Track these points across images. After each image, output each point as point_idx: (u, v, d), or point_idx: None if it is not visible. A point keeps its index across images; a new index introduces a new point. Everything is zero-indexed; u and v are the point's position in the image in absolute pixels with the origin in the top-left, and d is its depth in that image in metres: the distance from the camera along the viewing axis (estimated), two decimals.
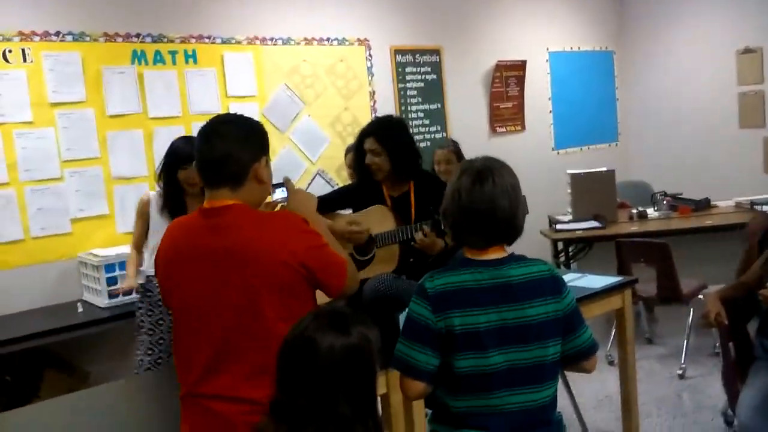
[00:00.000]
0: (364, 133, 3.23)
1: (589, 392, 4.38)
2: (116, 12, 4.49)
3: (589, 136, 7.66)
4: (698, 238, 5.21)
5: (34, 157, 4.17)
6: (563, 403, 2.08)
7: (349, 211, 3.34)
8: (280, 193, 2.23)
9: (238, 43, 5.04)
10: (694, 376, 4.58)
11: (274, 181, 2.17)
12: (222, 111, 4.85)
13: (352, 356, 1.54)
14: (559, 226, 5.50)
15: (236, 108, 4.90)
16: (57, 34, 4.27)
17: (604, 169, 5.66)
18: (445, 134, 6.29)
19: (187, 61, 4.78)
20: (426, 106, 6.20)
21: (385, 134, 3.16)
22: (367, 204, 3.21)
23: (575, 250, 5.58)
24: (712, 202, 5.76)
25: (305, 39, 5.40)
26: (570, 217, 5.63)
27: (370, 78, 5.80)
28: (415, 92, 6.12)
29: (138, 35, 4.58)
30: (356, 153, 3.28)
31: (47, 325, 3.73)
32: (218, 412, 1.90)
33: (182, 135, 3.63)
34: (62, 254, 4.26)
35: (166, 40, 4.70)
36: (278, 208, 2.23)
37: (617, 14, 8.00)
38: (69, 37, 4.31)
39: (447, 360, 1.91)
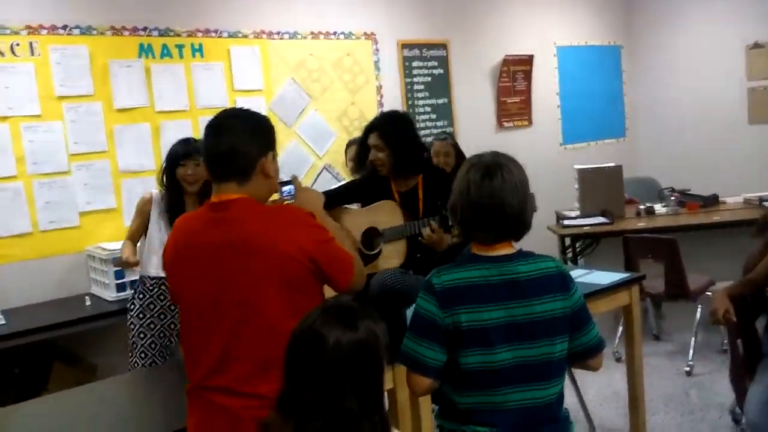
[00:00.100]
0: (369, 129, 3.22)
1: (596, 389, 4.37)
2: (123, 5, 4.49)
3: (596, 131, 7.63)
4: (706, 235, 5.19)
5: (42, 150, 4.17)
6: (570, 400, 2.08)
7: (357, 206, 3.34)
8: (287, 191, 2.23)
9: (245, 37, 5.03)
10: (702, 373, 4.57)
11: (282, 178, 2.17)
12: (229, 105, 4.85)
13: (360, 351, 1.53)
14: (566, 222, 5.49)
15: (243, 102, 4.91)
16: (64, 27, 4.27)
17: (612, 164, 5.64)
18: (452, 129, 6.27)
19: (193, 55, 4.78)
20: (433, 101, 6.19)
21: (388, 130, 3.15)
22: (375, 199, 3.21)
23: (582, 245, 5.56)
24: (720, 198, 5.74)
25: (312, 33, 5.39)
26: (577, 213, 5.61)
27: (376, 72, 5.79)
28: (422, 87, 6.11)
29: (145, 29, 4.58)
30: (361, 147, 3.28)
31: (55, 318, 3.74)
32: (225, 406, 1.90)
33: (182, 137, 3.63)
34: (70, 248, 4.27)
35: (173, 33, 4.69)
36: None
37: (625, 8, 7.96)
38: (76, 31, 4.31)
39: (453, 356, 1.91)
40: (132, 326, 3.53)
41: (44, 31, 4.19)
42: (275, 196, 2.16)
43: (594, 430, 3.91)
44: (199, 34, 4.81)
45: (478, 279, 1.91)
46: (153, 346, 3.51)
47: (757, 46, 7.05)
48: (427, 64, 6.15)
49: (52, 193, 4.21)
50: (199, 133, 4.64)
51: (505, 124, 6.76)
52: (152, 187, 3.84)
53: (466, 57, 6.42)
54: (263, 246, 1.89)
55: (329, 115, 5.47)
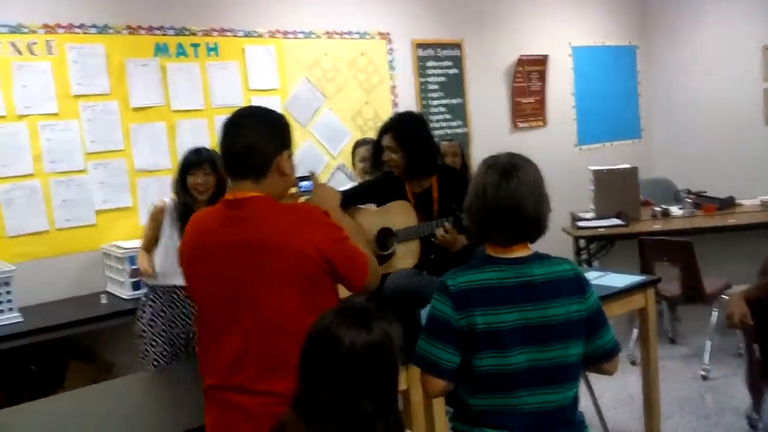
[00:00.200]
0: (383, 130, 3.22)
1: (610, 392, 4.35)
2: (139, 4, 4.52)
3: (612, 132, 7.60)
4: (722, 237, 5.15)
5: (59, 149, 4.20)
6: (584, 403, 2.07)
7: (371, 206, 3.33)
8: (304, 186, 2.23)
9: (260, 36, 5.04)
10: (718, 377, 4.54)
11: (299, 174, 2.18)
12: (244, 104, 4.87)
13: (374, 353, 1.54)
14: (581, 224, 5.47)
15: (257, 101, 4.92)
16: (81, 26, 4.29)
17: (627, 165, 5.61)
18: (466, 129, 6.27)
19: (209, 54, 4.80)
20: (447, 101, 6.18)
21: (402, 131, 3.14)
22: (389, 199, 3.21)
23: (597, 247, 5.53)
24: (736, 201, 5.69)
25: (326, 32, 5.39)
26: (592, 215, 5.59)
27: (391, 72, 5.79)
28: (436, 86, 6.10)
29: (161, 28, 4.60)
30: (375, 149, 3.28)
31: (72, 316, 3.76)
32: (241, 405, 1.91)
33: (194, 147, 3.66)
34: (86, 246, 4.30)
35: (188, 33, 4.71)
36: (301, 200, 2.23)
37: (641, 8, 7.92)
38: (93, 30, 4.34)
39: (467, 358, 1.90)
40: (144, 333, 3.54)
41: (61, 30, 4.22)
42: (292, 190, 2.16)
43: None
44: (215, 34, 4.83)
45: (494, 281, 1.90)
46: (164, 353, 3.53)
47: None
48: (442, 64, 6.14)
49: (69, 192, 4.24)
50: (214, 132, 4.69)
51: (520, 125, 6.74)
52: (167, 186, 3.86)
53: (481, 57, 6.41)
54: (278, 244, 1.89)
55: (343, 115, 5.47)
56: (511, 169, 1.92)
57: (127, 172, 4.46)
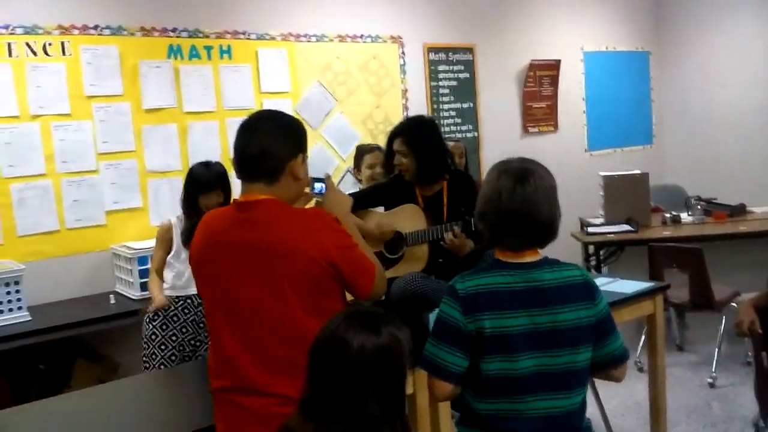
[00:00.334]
0: (394, 134, 3.22)
1: (617, 399, 4.34)
2: (153, 7, 4.55)
3: (623, 137, 7.58)
4: (732, 245, 5.13)
5: (71, 149, 4.23)
6: (591, 410, 2.07)
7: (381, 209, 3.34)
8: (318, 188, 2.24)
9: (273, 39, 5.06)
10: (725, 385, 4.52)
11: (314, 176, 2.19)
12: (256, 107, 4.89)
13: (383, 357, 1.54)
14: (590, 229, 5.45)
15: (269, 104, 4.94)
16: (95, 27, 4.32)
17: (638, 171, 5.59)
18: (476, 133, 6.27)
19: (222, 57, 4.82)
20: (458, 105, 6.18)
21: (412, 136, 3.14)
22: (399, 203, 3.21)
23: (606, 253, 5.52)
24: (747, 208, 5.67)
25: (339, 36, 5.41)
26: (602, 220, 5.57)
27: (402, 76, 5.79)
28: (447, 90, 6.11)
29: (174, 30, 4.63)
30: (387, 153, 3.28)
31: (80, 316, 3.78)
32: (250, 407, 1.92)
33: (200, 161, 3.64)
34: (96, 246, 4.32)
35: (201, 35, 4.74)
36: (312, 203, 2.24)
37: (653, 14, 7.90)
38: (107, 31, 4.37)
39: (475, 362, 1.90)
40: (153, 337, 3.55)
41: (76, 31, 4.25)
42: (306, 190, 2.17)
43: None
44: (228, 36, 4.85)
45: (503, 285, 1.91)
46: (173, 358, 3.54)
47: None
48: (453, 68, 6.14)
49: (80, 192, 4.27)
50: (225, 134, 4.71)
51: (530, 130, 6.73)
52: (178, 187, 3.88)
53: (492, 61, 6.41)
54: (286, 247, 1.90)
55: (354, 118, 5.48)
56: (526, 174, 1.92)
57: (138, 173, 4.48)
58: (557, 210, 1.95)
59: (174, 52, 4.62)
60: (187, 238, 3.43)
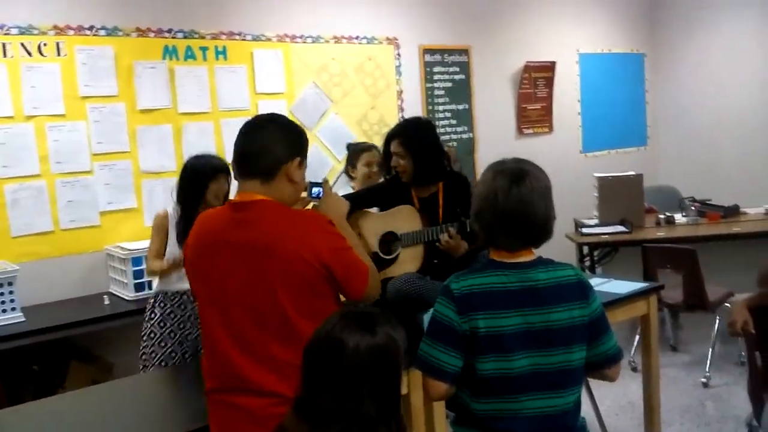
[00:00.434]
0: (391, 136, 3.22)
1: (611, 399, 4.35)
2: (149, 7, 4.54)
3: (617, 139, 7.60)
4: (726, 245, 5.15)
5: (66, 149, 4.22)
6: (585, 409, 2.07)
7: (376, 210, 3.34)
8: (315, 192, 2.27)
9: (268, 40, 5.06)
10: (719, 385, 4.53)
11: (312, 180, 2.21)
12: (251, 108, 4.90)
13: (378, 357, 1.54)
14: (584, 230, 5.47)
15: (265, 105, 4.94)
16: (90, 28, 4.32)
17: (632, 173, 5.62)
18: (471, 135, 6.28)
19: (217, 58, 4.82)
20: (453, 106, 6.19)
21: (410, 137, 3.14)
22: (394, 204, 3.21)
23: (601, 254, 5.53)
24: (741, 209, 5.69)
25: (334, 37, 5.41)
26: (596, 221, 5.59)
27: (398, 77, 5.80)
28: (442, 92, 6.12)
29: (170, 31, 4.62)
30: (384, 155, 3.28)
31: (74, 317, 3.77)
32: (244, 407, 1.92)
33: (196, 154, 3.62)
34: (90, 247, 4.31)
35: (197, 36, 4.74)
36: (310, 207, 2.25)
37: (648, 16, 7.92)
38: (102, 32, 4.36)
39: (470, 362, 1.91)
40: (152, 335, 3.53)
41: (71, 32, 4.25)
42: (303, 194, 2.18)
43: None
44: (223, 37, 4.85)
45: (497, 285, 1.91)
46: (173, 354, 3.53)
47: None
48: (449, 70, 6.15)
49: (74, 192, 4.26)
50: (220, 135, 4.71)
51: (525, 131, 6.74)
52: (173, 188, 3.87)
53: (488, 63, 6.42)
54: (279, 248, 1.91)
55: (349, 120, 5.49)
56: (522, 174, 1.93)
57: (133, 174, 4.47)
58: (552, 210, 1.96)
59: (169, 52, 4.62)
60: (183, 234, 3.38)
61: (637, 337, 4.41)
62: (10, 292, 3.68)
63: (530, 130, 6.78)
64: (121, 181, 4.42)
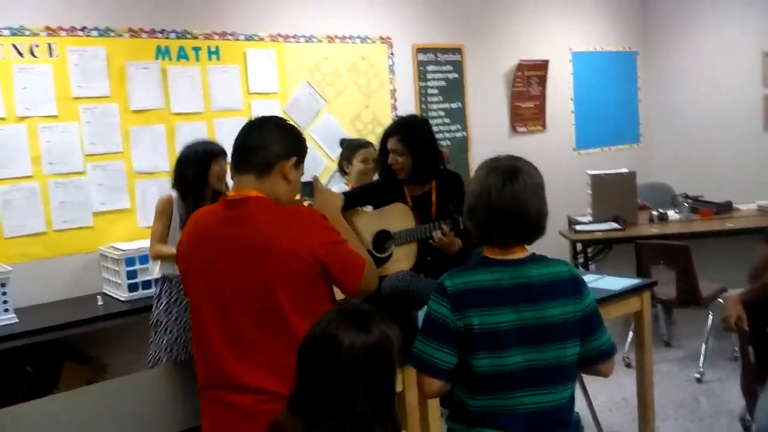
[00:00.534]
0: (389, 133, 3.22)
1: (605, 394, 4.36)
2: (141, 8, 4.53)
3: (610, 136, 7.62)
4: (719, 242, 5.17)
5: (58, 150, 4.22)
6: (579, 405, 2.08)
7: (369, 208, 3.35)
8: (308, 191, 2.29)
9: (261, 40, 5.06)
10: (712, 380, 4.55)
11: (304, 180, 2.22)
12: (244, 108, 4.90)
13: (373, 355, 1.54)
14: (578, 227, 5.48)
15: (258, 105, 4.94)
16: (83, 29, 4.31)
17: (625, 170, 5.63)
18: (465, 133, 6.29)
19: (210, 58, 4.82)
20: (447, 105, 6.20)
21: (408, 134, 3.15)
22: (387, 202, 3.21)
23: (594, 251, 5.55)
24: (734, 205, 5.72)
25: (327, 36, 5.41)
26: (590, 218, 5.60)
27: (391, 76, 5.80)
28: (436, 91, 6.12)
29: (162, 31, 4.62)
30: (380, 152, 3.28)
31: (67, 318, 3.77)
32: (236, 404, 1.93)
33: (189, 142, 3.71)
34: (83, 247, 4.31)
35: (189, 36, 4.73)
36: (305, 204, 2.26)
37: (641, 15, 7.94)
38: (94, 32, 4.35)
39: (465, 359, 1.91)
40: (159, 323, 3.58)
41: (63, 33, 4.24)
42: (297, 197, 2.19)
43: None
44: (216, 37, 4.85)
45: (491, 282, 1.92)
46: (179, 340, 3.57)
47: None
48: (442, 69, 6.16)
49: (67, 193, 4.25)
50: (213, 136, 4.70)
51: (519, 129, 6.76)
52: (166, 189, 3.87)
53: (481, 61, 6.43)
54: (271, 245, 1.92)
55: (343, 119, 5.49)
56: (515, 171, 1.93)
57: (126, 174, 4.47)
58: (545, 207, 1.96)
59: (162, 53, 4.61)
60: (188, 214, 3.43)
61: (631, 333, 4.43)
62: (3, 294, 3.68)
63: (524, 129, 6.80)
64: (114, 181, 4.42)
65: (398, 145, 3.13)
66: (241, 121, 4.65)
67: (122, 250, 4.07)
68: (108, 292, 4.21)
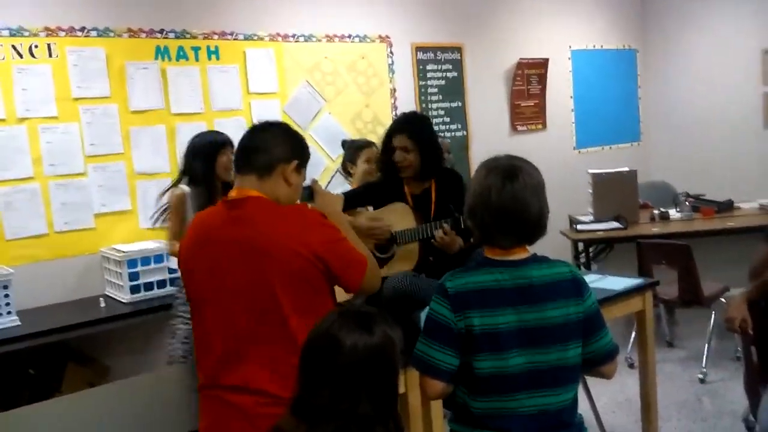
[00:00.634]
0: (395, 130, 3.20)
1: (608, 395, 4.35)
2: (140, 8, 4.53)
3: (611, 135, 7.61)
4: (721, 240, 5.16)
5: (59, 151, 4.21)
6: (582, 406, 2.07)
7: (369, 209, 3.34)
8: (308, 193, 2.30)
9: (260, 39, 5.05)
10: (715, 380, 4.54)
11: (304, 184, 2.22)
12: (244, 107, 4.89)
13: (375, 356, 1.54)
14: (579, 227, 5.47)
15: (258, 105, 4.94)
16: (82, 29, 4.30)
17: (626, 169, 5.62)
18: (465, 132, 6.28)
19: (209, 58, 4.81)
20: (446, 104, 6.19)
21: (415, 131, 3.14)
22: (387, 201, 3.21)
23: (596, 251, 5.54)
24: (735, 204, 5.71)
25: (327, 36, 5.40)
26: (591, 218, 5.59)
27: (391, 75, 5.80)
28: (435, 90, 6.11)
29: (161, 31, 4.61)
30: (384, 151, 3.27)
31: (70, 320, 3.77)
32: (235, 404, 1.92)
33: (200, 133, 3.73)
34: (85, 249, 4.31)
35: (189, 36, 4.72)
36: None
37: (640, 12, 7.93)
38: (93, 33, 4.35)
39: (467, 360, 1.91)
40: (179, 314, 3.58)
41: (62, 33, 4.23)
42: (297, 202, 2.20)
43: None
44: (215, 37, 4.84)
45: (492, 283, 1.91)
46: (193, 349, 3.55)
47: None
48: (442, 67, 6.15)
49: (68, 195, 4.24)
50: None
51: (519, 128, 6.75)
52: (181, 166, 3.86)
53: (481, 60, 6.42)
54: (272, 244, 1.92)
55: (343, 118, 5.48)
56: (515, 171, 1.93)
57: (127, 176, 4.46)
58: (546, 207, 1.96)
59: (161, 53, 4.60)
60: (203, 206, 3.39)
61: (633, 333, 4.41)
62: (6, 296, 3.68)
63: (524, 127, 6.79)
64: (114, 182, 4.41)
65: (407, 142, 3.11)
66: (241, 121, 4.71)
67: (124, 251, 4.07)
68: (110, 294, 4.21)
